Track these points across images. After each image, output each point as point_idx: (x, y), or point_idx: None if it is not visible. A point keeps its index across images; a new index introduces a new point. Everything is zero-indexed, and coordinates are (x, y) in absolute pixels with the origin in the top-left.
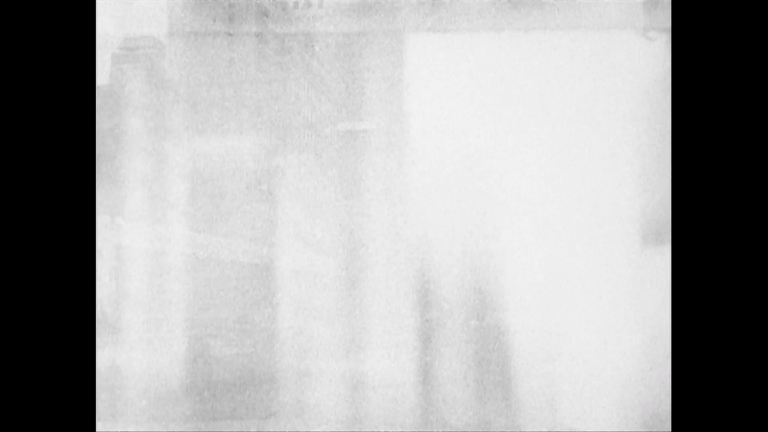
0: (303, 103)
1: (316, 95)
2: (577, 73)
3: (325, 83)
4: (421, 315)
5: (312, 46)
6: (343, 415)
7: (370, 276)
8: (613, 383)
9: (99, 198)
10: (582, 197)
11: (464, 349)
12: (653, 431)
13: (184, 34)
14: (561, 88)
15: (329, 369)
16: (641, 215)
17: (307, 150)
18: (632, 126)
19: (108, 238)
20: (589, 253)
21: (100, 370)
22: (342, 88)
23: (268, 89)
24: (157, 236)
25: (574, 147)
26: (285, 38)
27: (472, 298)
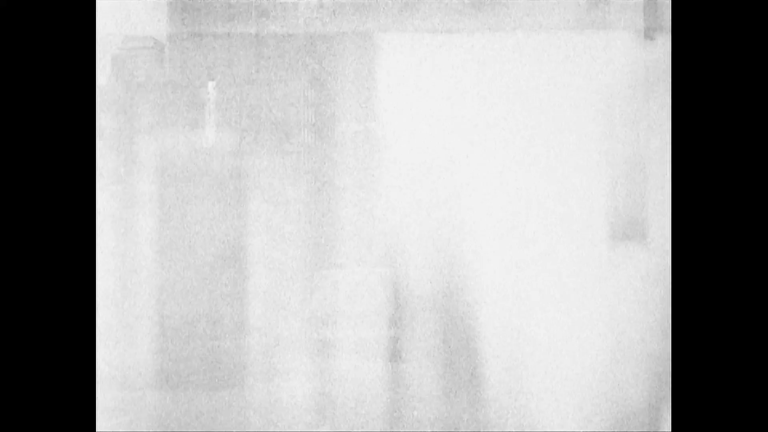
0: (277, 103)
1: (290, 95)
2: (548, 73)
3: (301, 83)
4: (390, 313)
5: (286, 46)
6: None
7: (341, 273)
8: (582, 382)
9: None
10: (553, 197)
11: (433, 348)
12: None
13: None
14: (532, 88)
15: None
16: (612, 215)
17: (278, 149)
18: (602, 125)
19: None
20: (560, 253)
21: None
22: (317, 87)
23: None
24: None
25: (546, 147)
26: (260, 38)
27: (442, 297)
